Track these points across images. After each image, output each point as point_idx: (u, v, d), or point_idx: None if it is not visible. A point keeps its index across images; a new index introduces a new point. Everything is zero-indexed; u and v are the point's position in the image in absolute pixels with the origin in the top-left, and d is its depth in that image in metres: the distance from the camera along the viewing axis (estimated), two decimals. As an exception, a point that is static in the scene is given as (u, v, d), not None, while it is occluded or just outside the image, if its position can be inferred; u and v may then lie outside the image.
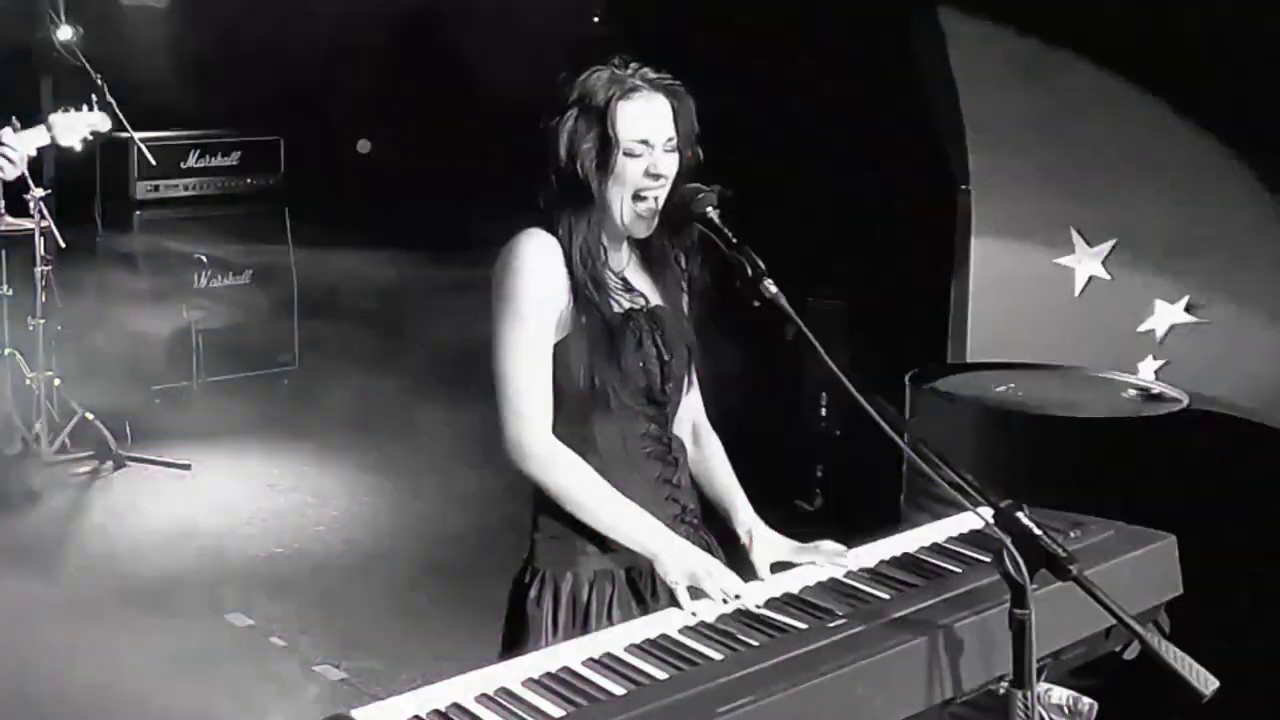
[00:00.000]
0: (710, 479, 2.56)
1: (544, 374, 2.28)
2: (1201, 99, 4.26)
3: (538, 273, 2.28)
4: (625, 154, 2.29)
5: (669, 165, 2.31)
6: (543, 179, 2.32)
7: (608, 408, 2.33)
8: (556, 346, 2.31)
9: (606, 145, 2.28)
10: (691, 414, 2.57)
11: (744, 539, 2.44)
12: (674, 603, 2.20)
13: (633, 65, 2.34)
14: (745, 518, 2.49)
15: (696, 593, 2.17)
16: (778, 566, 2.36)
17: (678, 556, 2.21)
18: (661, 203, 2.31)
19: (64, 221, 6.38)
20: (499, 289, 2.30)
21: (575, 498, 2.28)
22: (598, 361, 2.30)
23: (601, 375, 2.30)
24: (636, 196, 2.31)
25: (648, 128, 2.30)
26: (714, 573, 2.16)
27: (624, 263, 2.41)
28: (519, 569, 2.42)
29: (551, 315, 2.29)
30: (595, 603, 2.33)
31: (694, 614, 2.09)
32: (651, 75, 2.34)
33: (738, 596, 2.10)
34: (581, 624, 2.32)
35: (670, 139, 2.32)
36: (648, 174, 2.30)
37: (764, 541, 2.42)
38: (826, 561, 2.31)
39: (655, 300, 2.42)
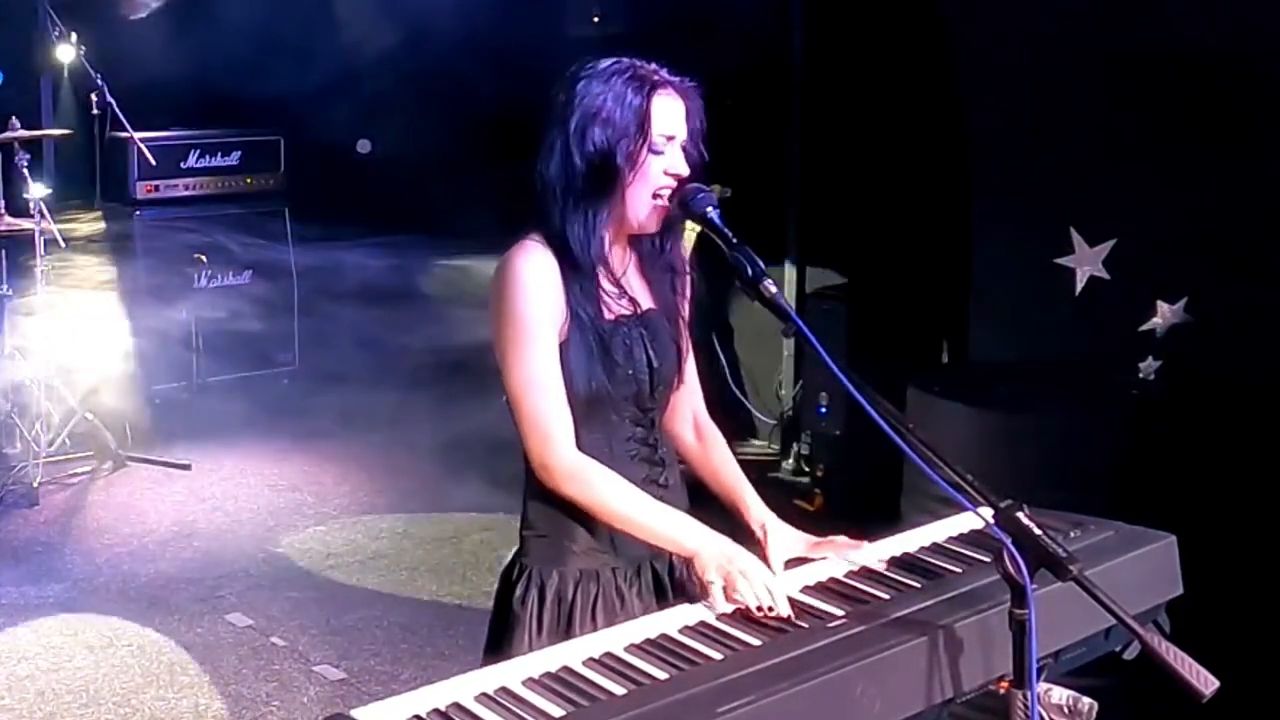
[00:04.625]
0: (716, 475, 2.54)
1: (558, 390, 2.26)
2: (1201, 100, 4.26)
3: (537, 290, 2.25)
4: (651, 150, 2.28)
5: (684, 166, 2.31)
6: (548, 173, 2.30)
7: (597, 413, 2.32)
8: None
9: (640, 139, 2.27)
10: (692, 408, 2.56)
11: (757, 533, 2.41)
12: (661, 600, 2.20)
13: (652, 64, 2.33)
14: (757, 512, 2.46)
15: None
16: (792, 562, 2.34)
17: (716, 554, 2.18)
18: (669, 200, 2.31)
19: (64, 221, 6.38)
20: (502, 309, 2.27)
21: (608, 507, 2.25)
22: (592, 368, 2.29)
23: (595, 381, 2.29)
24: (654, 194, 2.30)
25: (673, 125, 2.30)
26: (750, 574, 2.12)
27: (624, 265, 2.40)
28: (508, 563, 2.42)
29: (554, 328, 2.27)
30: (580, 602, 2.32)
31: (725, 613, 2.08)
32: (672, 76, 2.33)
33: (772, 608, 2.06)
34: (565, 624, 2.31)
35: (685, 139, 2.32)
36: (667, 173, 2.29)
37: (778, 535, 2.40)
38: (841, 557, 2.30)
39: (647, 304, 2.41)
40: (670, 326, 2.44)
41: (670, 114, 2.30)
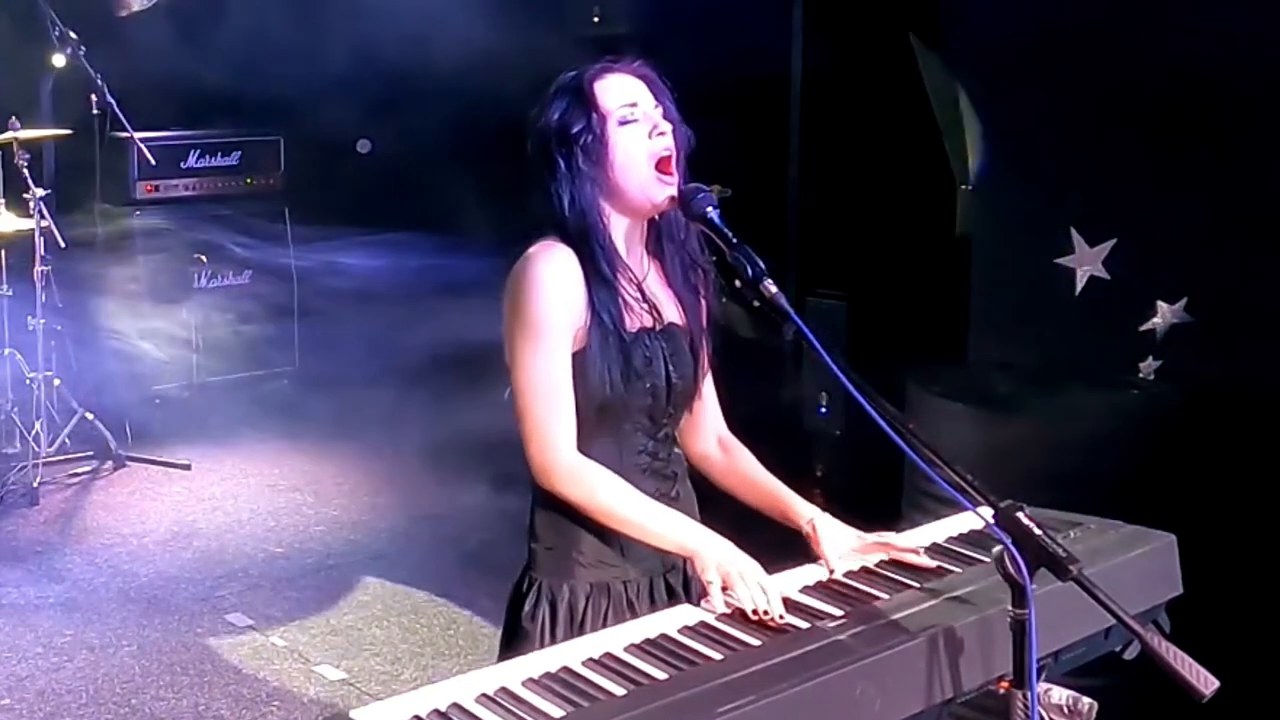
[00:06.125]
0: (752, 483, 2.50)
1: (564, 393, 2.23)
2: (1201, 100, 4.26)
3: (555, 291, 2.23)
4: (621, 122, 2.28)
5: (666, 124, 2.31)
6: (544, 190, 2.30)
7: (609, 421, 2.30)
8: (572, 358, 2.27)
9: (600, 122, 2.27)
10: (714, 427, 2.54)
11: (806, 529, 2.37)
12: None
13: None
14: (803, 509, 2.41)
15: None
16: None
17: (715, 554, 2.17)
18: (678, 166, 2.30)
19: (64, 221, 6.38)
20: (515, 309, 2.25)
21: (608, 509, 2.24)
22: (610, 379, 2.27)
23: (612, 388, 2.27)
24: (651, 164, 2.28)
25: (632, 95, 2.31)
26: (747, 576, 2.11)
27: (644, 271, 2.37)
28: (518, 576, 2.40)
29: (569, 332, 2.24)
30: (591, 616, 2.31)
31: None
32: (618, 61, 2.35)
33: (766, 611, 2.05)
34: (577, 637, 2.29)
35: (657, 106, 2.32)
36: (652, 134, 2.29)
37: (828, 531, 2.35)
38: (899, 552, 2.29)
39: (670, 317, 2.38)
40: (691, 340, 2.41)
41: (622, 87, 2.31)
